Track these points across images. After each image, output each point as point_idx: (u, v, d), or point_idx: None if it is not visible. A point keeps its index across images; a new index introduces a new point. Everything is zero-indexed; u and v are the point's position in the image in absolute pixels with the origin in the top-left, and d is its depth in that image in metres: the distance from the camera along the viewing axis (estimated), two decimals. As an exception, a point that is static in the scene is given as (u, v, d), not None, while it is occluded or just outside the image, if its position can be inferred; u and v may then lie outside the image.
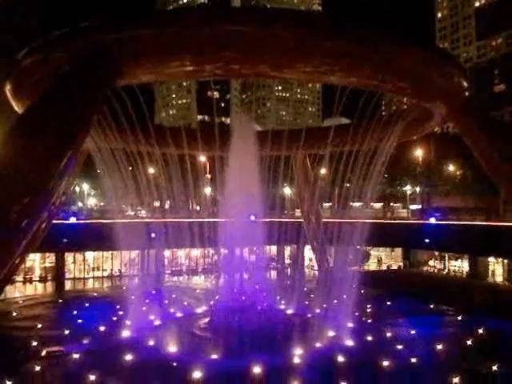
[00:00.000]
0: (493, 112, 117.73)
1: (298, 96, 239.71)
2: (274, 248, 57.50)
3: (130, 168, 31.05)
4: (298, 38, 15.18)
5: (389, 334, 23.66)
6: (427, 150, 66.77)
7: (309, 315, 27.16)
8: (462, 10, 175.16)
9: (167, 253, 54.11)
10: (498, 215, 57.56)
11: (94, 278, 51.90)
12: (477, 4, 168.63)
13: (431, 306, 31.78)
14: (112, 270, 53.08)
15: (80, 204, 79.03)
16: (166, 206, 52.79)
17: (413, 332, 23.96)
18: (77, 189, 74.52)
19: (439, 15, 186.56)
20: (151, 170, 47.43)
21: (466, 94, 19.65)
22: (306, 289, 36.35)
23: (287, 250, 60.31)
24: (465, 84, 19.22)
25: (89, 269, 52.74)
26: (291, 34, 15.08)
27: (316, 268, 50.67)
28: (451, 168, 71.84)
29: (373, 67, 16.54)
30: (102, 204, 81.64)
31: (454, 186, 71.74)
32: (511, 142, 20.81)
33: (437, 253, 57.64)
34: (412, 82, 17.66)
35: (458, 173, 72.28)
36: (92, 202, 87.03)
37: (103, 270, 53.13)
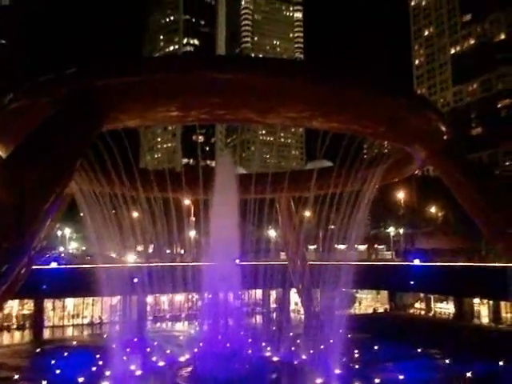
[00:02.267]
0: (471, 154, 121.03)
1: (282, 140, 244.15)
2: (259, 292, 56.69)
3: (114, 211, 30.77)
4: (281, 85, 15.60)
5: (377, 381, 23.16)
6: (409, 191, 67.90)
7: (296, 362, 26.53)
8: (438, 57, 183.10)
9: (150, 298, 52.89)
10: (481, 256, 58.01)
11: (73, 325, 50.23)
12: (452, 51, 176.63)
13: (419, 350, 31.38)
14: (92, 317, 51.52)
15: (61, 248, 77.51)
16: (150, 250, 52.06)
17: (401, 377, 23.51)
18: (58, 233, 73.28)
19: (416, 62, 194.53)
20: (135, 214, 47.06)
21: (445, 137, 20.18)
22: (292, 334, 35.65)
23: (273, 294, 59.49)
24: (443, 128, 19.77)
25: (68, 316, 51.11)
26: (274, 82, 15.50)
27: (302, 312, 49.93)
28: (433, 209, 72.87)
29: (353, 113, 17.00)
30: (83, 248, 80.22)
31: (436, 227, 72.53)
32: (490, 183, 21.30)
33: (422, 295, 57.46)
34: (391, 126, 18.14)
35: (439, 214, 73.30)
36: (74, 246, 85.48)
37: (83, 317, 51.55)
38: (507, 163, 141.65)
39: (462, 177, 19.95)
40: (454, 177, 20.25)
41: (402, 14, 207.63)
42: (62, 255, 66.81)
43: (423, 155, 20.74)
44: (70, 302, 51.29)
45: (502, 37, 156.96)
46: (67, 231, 76.71)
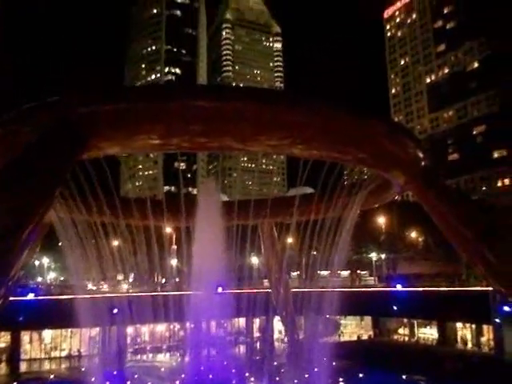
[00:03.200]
0: (449, 180, 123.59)
1: (264, 166, 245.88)
2: (242, 320, 55.90)
3: (94, 240, 30.29)
4: (261, 113, 15.83)
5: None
6: (390, 217, 68.57)
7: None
8: (414, 85, 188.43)
9: (130, 329, 51.62)
10: (462, 280, 58.55)
11: (51, 358, 48.58)
12: (428, 80, 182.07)
13: (403, 377, 31.17)
14: (71, 349, 49.95)
15: (39, 278, 75.60)
16: (130, 279, 51.15)
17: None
18: (36, 262, 71.60)
19: (393, 91, 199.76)
20: (115, 242, 46.39)
21: (422, 163, 20.58)
22: (276, 363, 35.10)
23: (256, 323, 58.72)
24: (420, 154, 20.18)
25: (46, 349, 49.47)
26: (254, 110, 15.73)
27: (286, 340, 49.31)
28: (414, 234, 73.59)
29: (333, 140, 17.28)
30: (62, 278, 78.37)
31: (417, 252, 73.12)
32: (467, 208, 21.69)
33: (406, 320, 57.44)
34: (370, 153, 18.46)
35: (420, 239, 74.02)
36: (52, 276, 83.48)
37: (61, 349, 49.95)
38: (484, 188, 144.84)
39: (439, 202, 20.27)
40: (432, 202, 20.57)
41: (378, 44, 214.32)
42: (40, 286, 65.13)
43: (402, 181, 21.07)
44: (47, 334, 49.78)
45: (476, 65, 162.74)
46: (45, 261, 74.91)
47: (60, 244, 29.71)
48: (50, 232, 26.97)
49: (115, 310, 37.58)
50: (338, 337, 58.38)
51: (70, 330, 49.04)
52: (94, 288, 57.19)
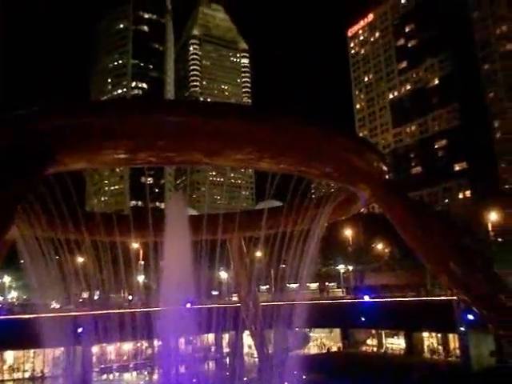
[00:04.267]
0: (412, 193, 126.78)
1: (232, 180, 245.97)
2: (211, 336, 55.23)
3: (57, 257, 29.43)
4: (226, 128, 15.97)
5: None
6: (356, 229, 69.63)
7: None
8: (378, 101, 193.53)
9: (95, 349, 50.15)
10: (427, 290, 59.82)
11: (13, 380, 46.70)
12: (391, 96, 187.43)
13: (372, 388, 31.45)
14: (34, 370, 48.11)
15: (0, 298, 72.75)
16: (96, 297, 49.87)
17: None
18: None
19: (357, 106, 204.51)
20: (80, 259, 45.25)
21: (387, 176, 21.12)
22: (246, 379, 34.79)
23: (225, 338, 58.13)
24: (384, 168, 20.73)
25: (8, 370, 47.51)
26: (220, 124, 15.85)
27: (256, 355, 48.97)
28: (380, 246, 74.88)
29: (299, 154, 17.56)
30: (24, 297, 75.63)
31: (383, 263, 74.37)
32: (430, 219, 22.33)
33: (374, 331, 58.11)
34: (336, 167, 18.84)
35: (386, 250, 75.36)
36: (14, 295, 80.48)
37: (24, 370, 48.06)
38: (446, 200, 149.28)
39: (403, 214, 20.78)
40: (397, 214, 21.07)
41: (343, 61, 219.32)
42: (1, 305, 62.67)
43: (367, 194, 21.52)
44: (9, 354, 47.86)
45: (436, 82, 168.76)
46: (7, 279, 72.26)
47: (22, 262, 28.73)
48: (12, 249, 26.07)
49: (80, 329, 36.50)
50: (308, 349, 58.48)
51: (32, 350, 47.31)
52: (58, 307, 55.42)
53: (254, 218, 34.77)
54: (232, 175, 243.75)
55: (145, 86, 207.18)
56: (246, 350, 55.34)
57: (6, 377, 46.80)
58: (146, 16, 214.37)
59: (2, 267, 53.43)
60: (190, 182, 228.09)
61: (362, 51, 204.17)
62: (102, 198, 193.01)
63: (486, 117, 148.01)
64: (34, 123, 15.92)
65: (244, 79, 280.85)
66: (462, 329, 45.76)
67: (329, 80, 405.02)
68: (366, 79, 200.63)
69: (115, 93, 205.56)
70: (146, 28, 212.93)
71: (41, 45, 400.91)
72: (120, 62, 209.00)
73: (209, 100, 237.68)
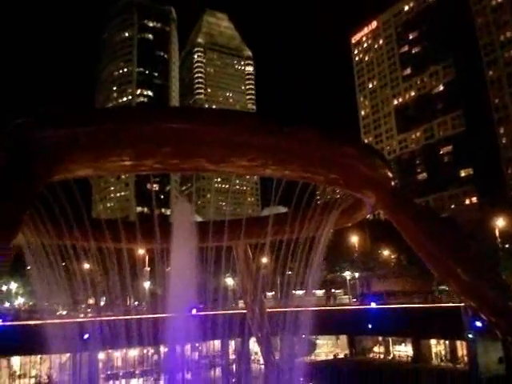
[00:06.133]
0: (418, 199, 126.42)
1: (237, 187, 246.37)
2: (217, 342, 55.08)
3: (63, 263, 29.53)
4: (232, 135, 16.02)
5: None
6: (362, 236, 69.40)
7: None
8: (382, 108, 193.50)
9: (102, 355, 50.15)
10: (434, 297, 59.44)
11: (19, 386, 46.77)
12: (395, 102, 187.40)
13: (379, 395, 31.19)
14: (40, 376, 48.19)
15: (7, 304, 72.98)
16: (102, 303, 49.96)
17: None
18: (4, 288, 69.21)
19: (362, 113, 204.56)
20: (86, 265, 45.33)
21: (392, 183, 21.06)
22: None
23: (232, 345, 57.94)
24: (390, 174, 20.66)
25: (14, 376, 47.60)
26: (225, 131, 15.91)
27: (262, 362, 48.75)
28: (386, 252, 74.55)
29: (304, 161, 17.57)
30: (31, 303, 75.86)
31: (390, 270, 73.99)
32: (436, 225, 22.21)
33: (381, 338, 57.74)
34: (341, 174, 18.82)
35: (392, 257, 75.00)
36: (20, 301, 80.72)
37: (30, 377, 48.17)
38: (452, 206, 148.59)
39: (409, 220, 20.67)
40: (403, 220, 20.95)
41: (347, 69, 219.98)
42: (8, 311, 62.88)
43: (373, 200, 21.45)
44: (16, 360, 47.95)
45: (441, 88, 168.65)
46: (13, 286, 72.49)
47: (28, 268, 28.89)
48: (19, 256, 26.22)
49: (86, 335, 36.52)
50: (315, 356, 58.15)
51: (39, 356, 47.39)
52: (65, 313, 55.53)
53: (259, 224, 34.74)
54: (237, 181, 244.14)
55: (150, 93, 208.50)
56: (252, 356, 55.13)
57: (13, 383, 46.87)
58: (151, 24, 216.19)
59: (9, 273, 53.69)
60: (196, 189, 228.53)
61: (366, 58, 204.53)
62: (108, 205, 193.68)
63: (492, 123, 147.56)
64: (39, 130, 16.02)
65: (248, 86, 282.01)
66: (470, 336, 45.40)
67: (333, 87, 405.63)
68: (371, 86, 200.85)
69: (120, 100, 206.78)
70: (150, 36, 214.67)
71: (47, 53, 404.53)
72: (125, 69, 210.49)
73: (213, 107, 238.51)
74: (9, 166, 15.46)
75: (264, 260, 51.90)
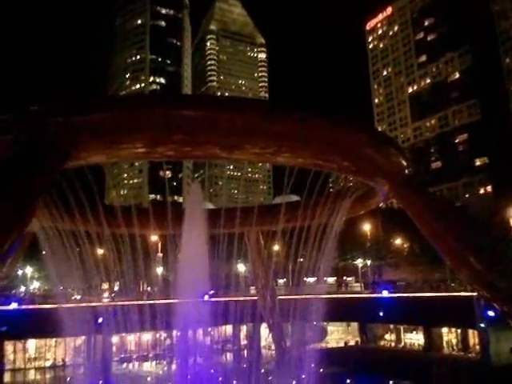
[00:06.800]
0: (432, 188, 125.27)
1: (250, 175, 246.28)
2: (229, 328, 55.67)
3: (78, 249, 29.97)
4: (244, 122, 16.02)
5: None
6: (375, 224, 69.17)
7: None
8: (397, 95, 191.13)
9: (115, 338, 51.06)
10: (447, 285, 59.20)
11: (35, 368, 47.83)
12: (410, 90, 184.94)
13: (390, 382, 31.36)
14: (55, 359, 49.22)
15: (22, 288, 74.42)
16: (116, 288, 50.71)
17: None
18: (19, 272, 70.50)
19: (376, 101, 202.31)
20: (100, 251, 45.91)
21: (406, 171, 20.90)
22: (263, 371, 35.05)
23: (243, 330, 58.51)
24: (404, 163, 20.49)
25: (30, 358, 48.69)
26: (238, 119, 15.91)
27: (273, 347, 49.22)
28: (398, 241, 74.28)
29: (317, 148, 17.52)
30: (46, 288, 77.26)
31: (402, 259, 73.81)
32: (450, 214, 22.05)
33: (392, 326, 57.79)
34: (354, 161, 18.73)
35: (405, 245, 74.74)
36: (36, 285, 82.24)
37: (46, 359, 49.22)
38: (467, 195, 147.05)
39: (423, 208, 20.55)
40: (416, 209, 20.85)
41: (361, 56, 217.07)
42: (24, 295, 64.14)
43: (386, 188, 21.34)
44: (31, 343, 49.05)
45: (457, 76, 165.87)
46: (29, 270, 73.83)
47: (43, 253, 29.34)
48: (34, 241, 26.63)
49: (100, 319, 37.18)
50: (326, 343, 58.46)
51: (54, 339, 48.40)
52: (79, 297, 56.52)
53: (272, 212, 34.81)
54: (249, 169, 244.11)
55: (162, 80, 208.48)
56: (263, 342, 55.66)
57: (28, 365, 47.98)
58: (163, 11, 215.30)
59: (25, 258, 54.64)
60: (208, 176, 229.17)
61: (381, 45, 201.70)
62: (121, 192, 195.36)
63: (508, 112, 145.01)
64: (50, 118, 16.15)
65: (261, 73, 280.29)
66: (482, 325, 45.26)
67: (347, 74, 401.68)
68: (385, 73, 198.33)
69: (133, 88, 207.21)
70: (163, 23, 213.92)
71: (60, 41, 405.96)
72: (138, 57, 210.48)
73: (226, 95, 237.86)
74: (23, 153, 15.65)
75: (276, 247, 52.11)
